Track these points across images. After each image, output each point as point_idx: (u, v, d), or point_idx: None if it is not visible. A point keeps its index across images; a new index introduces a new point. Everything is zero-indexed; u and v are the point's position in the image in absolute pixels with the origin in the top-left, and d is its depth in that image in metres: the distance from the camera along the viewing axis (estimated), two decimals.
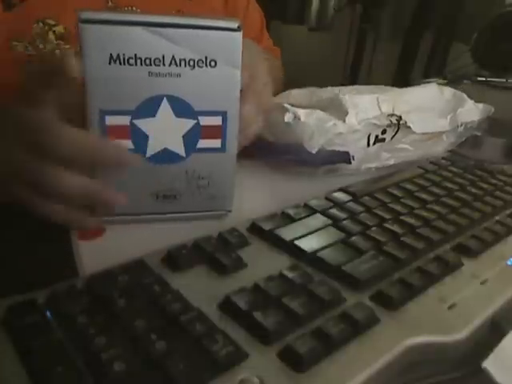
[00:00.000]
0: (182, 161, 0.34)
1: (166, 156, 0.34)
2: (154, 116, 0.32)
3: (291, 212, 0.35)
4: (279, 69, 0.74)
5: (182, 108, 0.33)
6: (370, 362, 0.22)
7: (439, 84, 0.58)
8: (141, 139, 0.33)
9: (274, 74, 0.51)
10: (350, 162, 0.46)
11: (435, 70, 1.91)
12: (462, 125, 0.53)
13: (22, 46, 0.49)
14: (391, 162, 0.50)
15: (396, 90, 0.54)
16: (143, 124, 0.32)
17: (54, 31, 0.49)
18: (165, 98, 0.32)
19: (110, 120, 0.32)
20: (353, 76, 2.17)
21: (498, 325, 0.27)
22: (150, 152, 0.33)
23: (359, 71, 2.19)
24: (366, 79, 2.11)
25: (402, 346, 0.24)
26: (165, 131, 0.33)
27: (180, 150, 0.34)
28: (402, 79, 1.84)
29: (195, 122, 0.33)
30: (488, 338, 0.26)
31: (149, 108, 0.32)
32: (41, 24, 0.49)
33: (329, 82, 0.57)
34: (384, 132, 0.48)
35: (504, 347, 0.26)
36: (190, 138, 0.34)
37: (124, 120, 0.32)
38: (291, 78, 0.73)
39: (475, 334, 0.25)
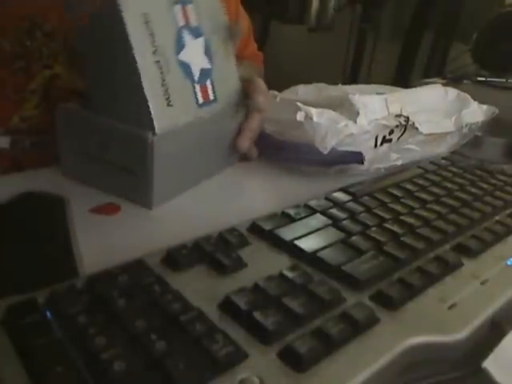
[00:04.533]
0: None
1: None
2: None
3: (291, 212, 0.35)
4: (261, 73, 0.77)
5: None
6: (369, 362, 0.22)
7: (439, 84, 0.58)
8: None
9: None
10: (363, 163, 0.46)
11: (435, 70, 1.91)
12: (466, 126, 0.53)
13: (8, 43, 0.49)
14: (399, 162, 0.50)
15: (401, 90, 0.54)
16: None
17: (42, 29, 0.49)
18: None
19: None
20: (353, 76, 2.17)
21: (498, 325, 0.27)
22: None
23: (359, 71, 2.18)
24: (366, 79, 2.11)
25: (402, 346, 0.24)
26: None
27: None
28: (402, 79, 1.84)
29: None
30: (488, 337, 0.26)
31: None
32: (28, 21, 0.49)
33: (329, 82, 0.57)
34: (391, 132, 0.48)
35: (504, 347, 0.26)
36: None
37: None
38: (291, 78, 0.73)
39: (475, 334, 0.25)
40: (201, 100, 0.42)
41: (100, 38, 0.38)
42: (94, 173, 0.42)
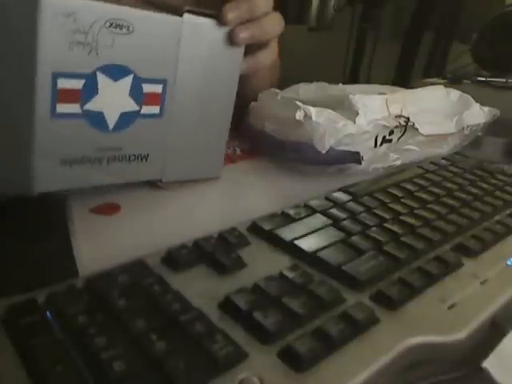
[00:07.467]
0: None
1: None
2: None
3: (291, 212, 0.35)
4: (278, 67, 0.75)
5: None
6: (369, 362, 0.22)
7: (439, 84, 0.58)
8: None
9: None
10: (360, 163, 0.46)
11: (435, 69, 1.91)
12: (467, 127, 0.53)
13: None
14: (398, 162, 0.50)
15: (403, 91, 0.54)
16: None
17: None
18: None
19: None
20: (353, 76, 2.17)
21: (498, 325, 0.27)
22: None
23: (359, 71, 2.18)
24: (366, 79, 2.11)
25: (402, 346, 0.23)
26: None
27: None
28: (402, 79, 1.84)
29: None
30: (488, 337, 0.26)
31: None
32: None
33: (329, 81, 0.57)
34: (391, 133, 0.48)
35: (504, 347, 0.26)
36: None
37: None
38: (291, 78, 0.73)
39: (475, 334, 0.25)
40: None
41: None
42: None
